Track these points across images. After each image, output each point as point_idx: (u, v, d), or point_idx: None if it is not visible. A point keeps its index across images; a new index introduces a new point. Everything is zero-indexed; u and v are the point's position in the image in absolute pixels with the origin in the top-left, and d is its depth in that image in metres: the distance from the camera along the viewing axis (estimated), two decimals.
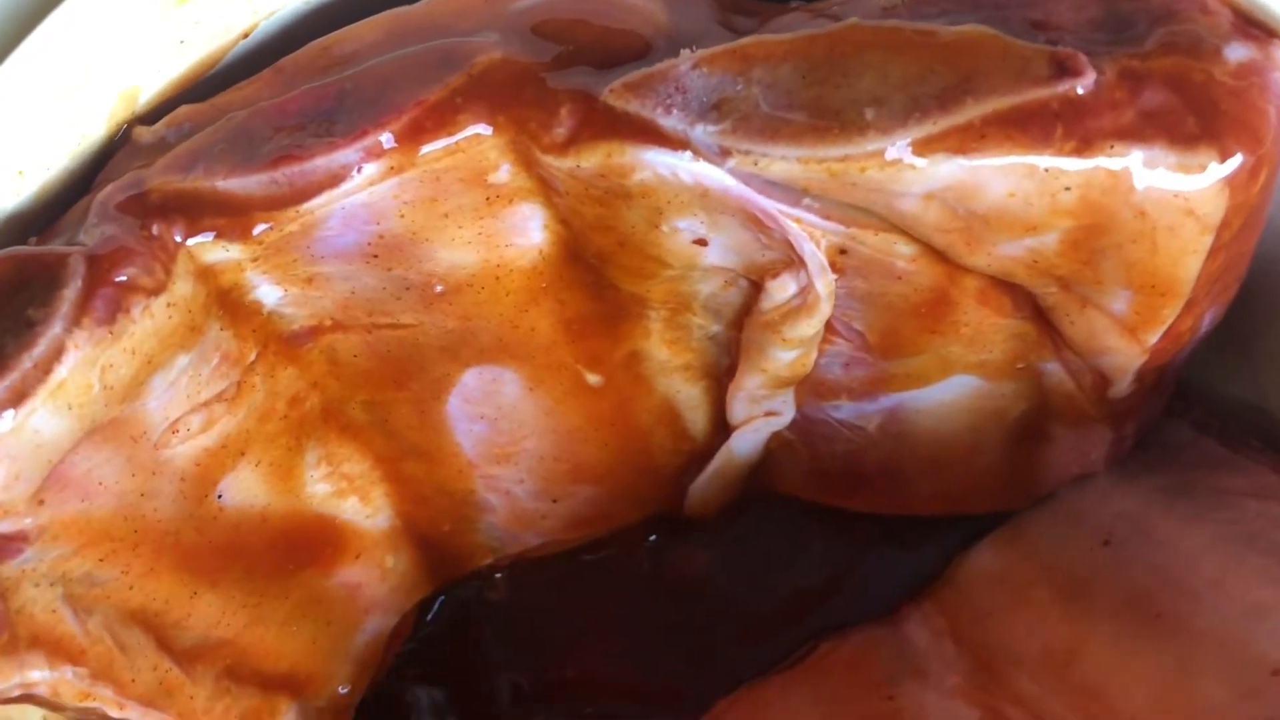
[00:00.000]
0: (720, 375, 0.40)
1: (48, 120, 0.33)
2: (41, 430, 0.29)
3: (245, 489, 0.36)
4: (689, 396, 0.40)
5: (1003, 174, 0.29)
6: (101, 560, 0.33)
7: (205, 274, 0.32)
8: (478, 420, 0.39)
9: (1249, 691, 0.32)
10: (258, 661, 0.38)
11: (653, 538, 0.45)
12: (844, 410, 0.40)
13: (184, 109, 0.34)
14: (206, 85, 0.35)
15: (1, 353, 0.29)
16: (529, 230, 0.34)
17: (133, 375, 0.31)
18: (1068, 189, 0.29)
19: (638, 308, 0.37)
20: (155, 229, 0.31)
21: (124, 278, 0.30)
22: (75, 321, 0.29)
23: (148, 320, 0.30)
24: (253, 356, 0.34)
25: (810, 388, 0.39)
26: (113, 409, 0.31)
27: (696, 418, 0.41)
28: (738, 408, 0.39)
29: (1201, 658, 0.34)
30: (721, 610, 0.45)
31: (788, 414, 0.40)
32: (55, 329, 0.29)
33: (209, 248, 0.32)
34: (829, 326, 0.36)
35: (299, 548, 0.38)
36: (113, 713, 0.34)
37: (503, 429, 0.40)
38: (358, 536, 0.40)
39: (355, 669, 0.40)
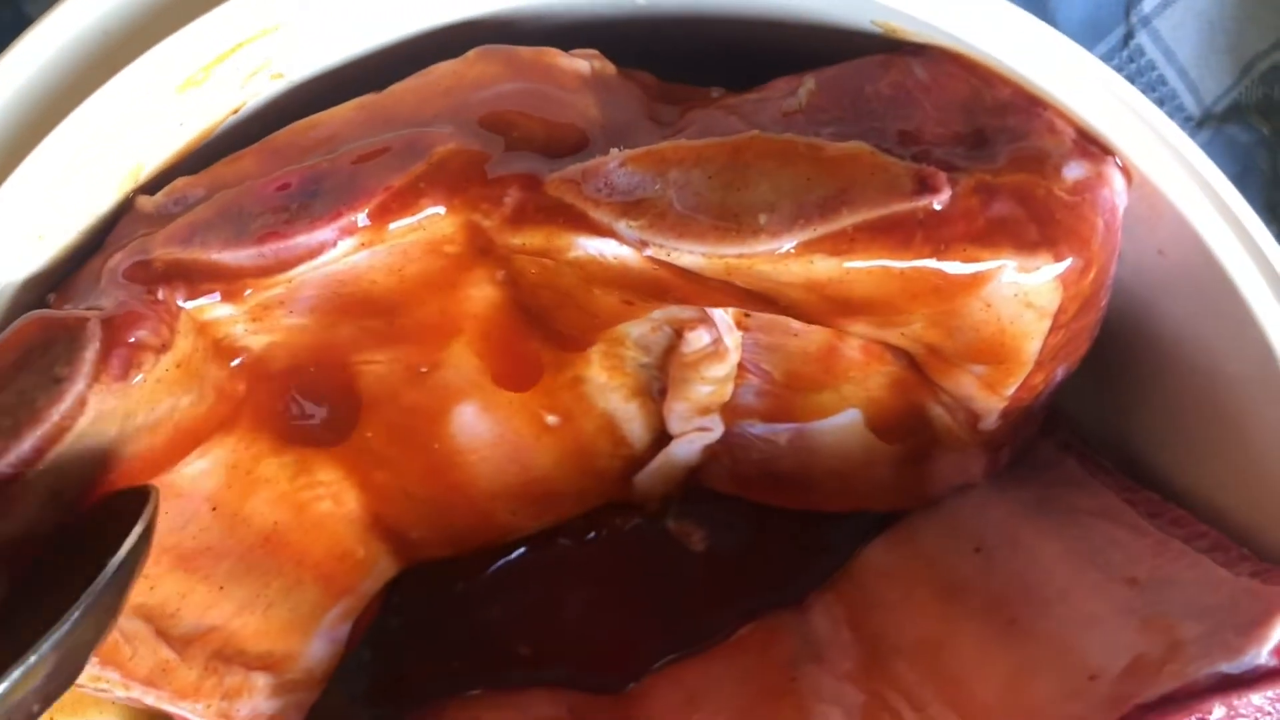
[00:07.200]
0: (653, 395, 0.45)
1: (66, 192, 0.37)
2: (65, 468, 0.34)
3: (236, 501, 0.41)
4: (626, 412, 0.45)
5: (869, 273, 0.34)
6: None
7: (203, 329, 0.37)
8: (441, 439, 0.44)
9: (1071, 692, 0.37)
10: (241, 644, 0.43)
11: (591, 534, 0.50)
12: (758, 428, 0.45)
13: (180, 181, 0.38)
14: (200, 155, 0.39)
15: (34, 406, 0.33)
16: (482, 285, 0.39)
17: (142, 419, 0.36)
18: (924, 284, 0.34)
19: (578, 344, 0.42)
20: (160, 294, 0.35)
21: (135, 338, 0.34)
22: (95, 378, 0.34)
23: (156, 372, 0.35)
24: (243, 391, 0.39)
25: (730, 410, 0.44)
26: (126, 448, 0.36)
27: (634, 429, 0.46)
28: (673, 423, 0.44)
29: (1041, 660, 0.38)
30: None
31: (717, 430, 0.45)
32: (79, 385, 0.34)
33: (206, 308, 0.36)
34: (742, 366, 0.42)
35: (282, 545, 0.43)
36: (118, 692, 0.39)
37: (464, 444, 0.45)
38: (332, 533, 0.45)
39: (327, 646, 0.45)
